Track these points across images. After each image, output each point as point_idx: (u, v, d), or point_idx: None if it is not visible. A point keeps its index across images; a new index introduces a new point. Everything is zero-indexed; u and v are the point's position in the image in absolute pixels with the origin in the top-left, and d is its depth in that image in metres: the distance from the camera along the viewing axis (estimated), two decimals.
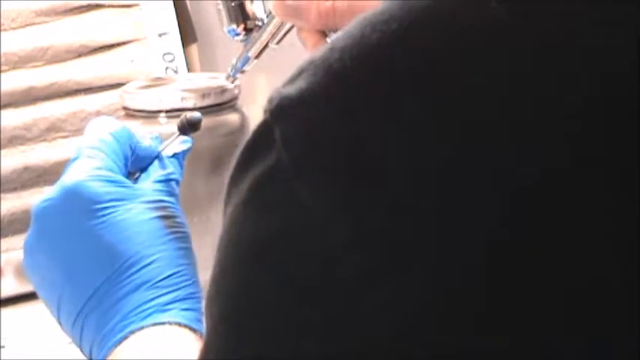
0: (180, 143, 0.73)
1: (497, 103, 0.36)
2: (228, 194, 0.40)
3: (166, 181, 0.69)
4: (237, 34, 0.89)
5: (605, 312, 0.35)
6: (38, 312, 1.10)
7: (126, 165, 0.69)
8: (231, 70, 0.93)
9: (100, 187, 0.64)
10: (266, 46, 0.88)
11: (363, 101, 0.37)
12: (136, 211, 0.64)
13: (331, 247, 0.36)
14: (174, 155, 0.72)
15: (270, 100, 0.39)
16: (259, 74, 1.24)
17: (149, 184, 0.68)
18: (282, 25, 0.85)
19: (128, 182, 0.67)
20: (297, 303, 0.37)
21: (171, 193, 0.68)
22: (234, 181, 0.40)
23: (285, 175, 0.38)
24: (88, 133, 0.69)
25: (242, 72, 0.93)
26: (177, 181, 0.70)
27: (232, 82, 0.95)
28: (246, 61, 0.91)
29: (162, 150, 0.72)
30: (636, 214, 0.35)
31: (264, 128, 0.39)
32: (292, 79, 0.39)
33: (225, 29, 0.90)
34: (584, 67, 0.36)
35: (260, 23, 0.88)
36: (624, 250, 0.35)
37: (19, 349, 1.03)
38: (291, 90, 0.38)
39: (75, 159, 0.67)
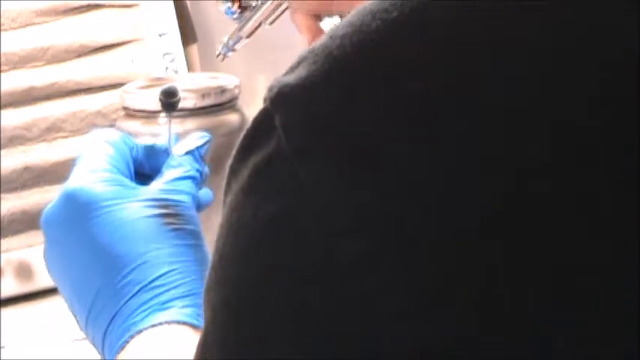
0: (197, 139, 0.73)
1: (499, 90, 0.36)
2: (228, 184, 0.40)
3: (175, 180, 0.69)
4: (233, 13, 0.90)
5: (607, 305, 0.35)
6: (38, 312, 1.10)
7: (129, 171, 0.69)
8: (223, 48, 0.93)
9: (95, 189, 0.65)
10: (259, 25, 0.88)
11: (364, 87, 0.37)
12: (130, 210, 0.64)
13: (332, 232, 0.36)
14: (188, 152, 0.72)
15: (269, 89, 0.39)
16: (259, 74, 1.24)
17: (159, 184, 0.68)
18: (276, 5, 0.84)
19: (127, 182, 0.66)
20: (296, 287, 0.37)
21: (181, 192, 0.68)
22: (234, 170, 0.40)
23: (285, 160, 0.37)
24: (87, 144, 0.69)
25: (233, 50, 0.93)
26: (193, 178, 0.70)
27: (223, 60, 0.95)
28: (239, 39, 0.91)
29: (173, 148, 0.72)
30: (636, 209, 0.35)
31: (264, 116, 0.39)
32: (292, 68, 0.39)
33: (221, 8, 0.90)
34: (585, 58, 0.36)
35: (254, 3, 0.88)
36: (624, 246, 0.35)
37: (19, 349, 1.03)
38: (291, 78, 0.38)
39: (77, 165, 0.67)
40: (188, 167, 0.70)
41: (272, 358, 0.38)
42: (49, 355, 1.00)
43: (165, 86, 0.76)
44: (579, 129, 0.35)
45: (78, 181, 0.65)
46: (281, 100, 0.38)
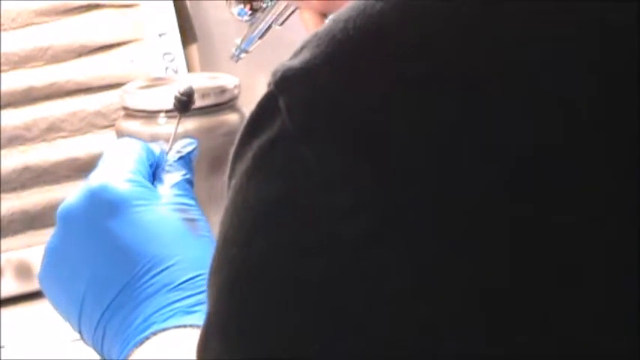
0: (186, 145, 0.73)
1: (500, 77, 0.36)
2: (233, 168, 0.40)
3: (182, 183, 0.69)
4: (246, 14, 0.91)
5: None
6: (38, 312, 1.10)
7: (149, 176, 0.69)
8: (236, 50, 0.94)
9: (124, 189, 0.65)
10: (270, 27, 0.89)
11: (368, 68, 0.37)
12: (160, 213, 0.65)
13: (335, 209, 0.36)
14: (182, 157, 0.72)
15: (274, 73, 0.39)
16: (259, 74, 1.24)
17: (167, 188, 0.69)
18: (286, 6, 0.86)
19: (148, 184, 0.67)
20: (299, 264, 0.37)
21: (190, 196, 0.69)
22: (238, 154, 0.40)
23: (289, 141, 0.38)
24: (112, 145, 0.70)
25: (246, 52, 0.94)
26: (191, 182, 0.71)
27: (236, 62, 0.96)
28: (251, 41, 0.92)
29: (168, 152, 0.72)
30: (635, 194, 0.35)
31: (268, 99, 0.39)
32: (296, 53, 0.39)
33: (234, 10, 0.91)
34: (562, 53, 0.36)
35: (265, 5, 0.89)
36: (624, 228, 0.35)
37: (19, 349, 1.03)
38: (295, 62, 0.39)
39: (100, 165, 0.68)
40: (185, 171, 0.71)
41: (273, 337, 0.38)
42: (49, 355, 1.00)
43: (185, 86, 0.76)
44: (581, 117, 0.35)
45: (102, 178, 0.65)
46: (285, 82, 0.39)
